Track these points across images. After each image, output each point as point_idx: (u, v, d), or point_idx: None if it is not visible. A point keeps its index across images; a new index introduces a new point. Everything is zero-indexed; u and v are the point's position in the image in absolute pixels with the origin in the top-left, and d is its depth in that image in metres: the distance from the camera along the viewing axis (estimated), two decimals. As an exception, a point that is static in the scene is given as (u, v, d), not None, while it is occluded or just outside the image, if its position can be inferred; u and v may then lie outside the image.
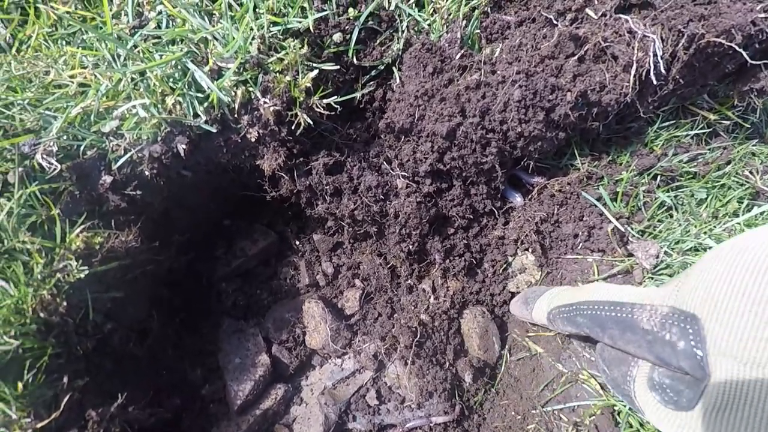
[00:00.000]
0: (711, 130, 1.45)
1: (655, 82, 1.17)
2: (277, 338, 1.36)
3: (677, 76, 1.23)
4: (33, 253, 0.94)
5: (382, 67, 1.35)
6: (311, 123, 1.16)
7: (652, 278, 1.27)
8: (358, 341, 1.37)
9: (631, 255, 1.24)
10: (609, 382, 1.09)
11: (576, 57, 1.20)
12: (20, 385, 0.89)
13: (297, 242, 1.53)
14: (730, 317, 0.67)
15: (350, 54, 1.29)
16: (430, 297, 1.43)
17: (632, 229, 1.29)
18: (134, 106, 1.09)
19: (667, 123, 1.38)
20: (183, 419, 1.22)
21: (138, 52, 1.13)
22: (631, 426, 1.16)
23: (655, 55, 1.16)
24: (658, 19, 1.16)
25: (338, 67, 1.24)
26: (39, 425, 0.87)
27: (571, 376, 1.27)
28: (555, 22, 1.26)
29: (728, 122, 1.44)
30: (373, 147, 1.37)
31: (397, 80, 1.31)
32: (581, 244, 1.32)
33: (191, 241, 1.37)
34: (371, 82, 1.37)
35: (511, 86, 1.19)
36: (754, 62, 1.17)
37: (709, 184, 1.39)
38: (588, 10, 1.21)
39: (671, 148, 1.36)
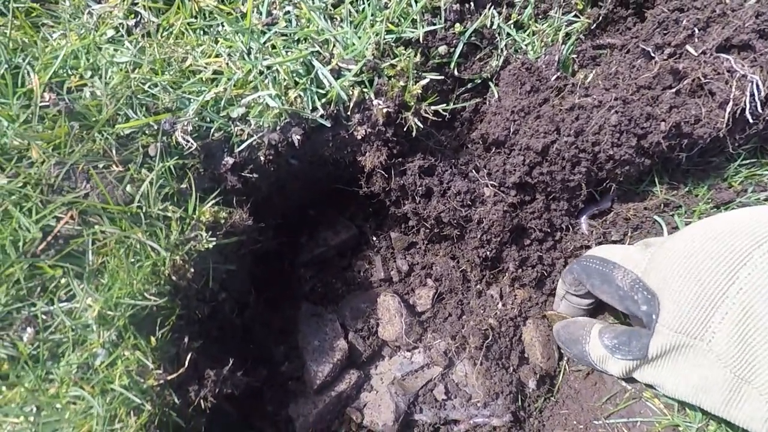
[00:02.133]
0: (787, 171, 1.49)
1: (750, 121, 1.22)
2: (353, 326, 1.43)
3: None
4: (172, 220, 1.03)
5: (479, 81, 1.42)
6: (421, 127, 1.24)
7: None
8: (429, 337, 1.43)
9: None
10: (574, 357, 1.36)
11: (673, 90, 1.26)
12: (153, 339, 0.97)
13: (374, 238, 1.60)
14: (676, 301, 0.93)
15: (452, 66, 1.37)
16: (498, 303, 1.50)
17: (707, 258, 1.34)
18: (260, 96, 1.19)
19: (747, 161, 1.42)
20: (265, 392, 1.30)
21: (268, 47, 1.23)
22: (694, 446, 1.21)
23: (752, 95, 1.21)
24: (758, 62, 1.22)
25: (442, 77, 1.33)
26: (168, 378, 0.96)
27: (635, 393, 1.32)
28: (652, 54, 1.32)
29: (805, 165, 1.48)
30: (462, 155, 1.44)
31: (495, 95, 1.39)
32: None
33: (282, 226, 1.45)
34: (466, 94, 1.44)
35: (607, 111, 1.26)
36: None
37: (783, 223, 1.43)
38: (688, 47, 1.27)
39: (751, 185, 1.41)
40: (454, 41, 1.35)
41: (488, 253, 1.42)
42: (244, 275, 1.23)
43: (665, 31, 1.33)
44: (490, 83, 1.42)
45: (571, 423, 1.36)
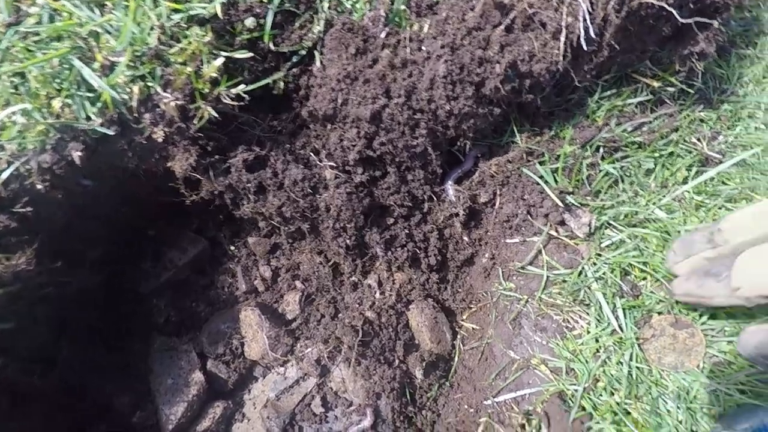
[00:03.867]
0: (656, 97, 1.39)
1: (586, 48, 1.10)
2: (212, 352, 1.27)
3: (612, 42, 1.16)
4: None
5: (304, 52, 1.25)
6: (216, 116, 1.06)
7: (599, 255, 1.22)
8: (300, 347, 1.29)
9: (563, 223, 1.20)
10: None
11: (503, 26, 1.12)
12: None
13: (232, 247, 1.43)
14: None
15: (266, 40, 1.18)
16: (375, 292, 1.36)
17: (575, 202, 1.23)
18: (14, 113, 0.98)
19: (608, 92, 1.32)
20: (111, 450, 1.13)
21: (14, 52, 1.01)
22: (583, 409, 1.12)
23: (584, 19, 1.08)
24: (586, -19, 1.09)
25: (251, 54, 1.14)
26: None
27: (523, 363, 1.21)
28: (480, -10, 1.18)
29: (673, 89, 1.38)
30: (299, 138, 1.27)
31: (318, 64, 1.22)
32: (523, 224, 1.26)
33: (111, 256, 1.26)
34: (294, 69, 1.26)
35: (435, 62, 1.11)
36: (684, 20, 1.11)
37: (656, 153, 1.34)
38: (512, -25, 1.13)
39: (614, 118, 1.30)
40: (262, 11, 1.17)
41: (348, 241, 1.27)
42: (41, 327, 1.04)
43: (488, -38, 1.18)
44: (316, 52, 1.24)
45: (463, 408, 1.25)
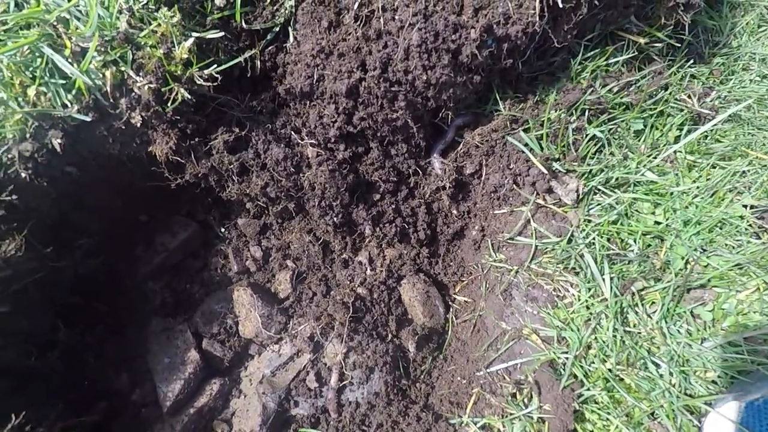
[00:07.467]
0: (643, 55, 1.34)
1: (562, 6, 1.06)
2: (207, 332, 1.29)
3: (591, -2, 1.12)
4: None
5: (278, 29, 1.23)
6: (189, 98, 1.06)
7: (588, 221, 1.20)
8: (294, 324, 1.30)
9: (550, 191, 1.17)
10: None
11: (477, -11, 1.09)
12: None
13: (222, 229, 1.44)
14: None
15: (237, 18, 1.17)
16: (366, 269, 1.36)
17: (562, 168, 1.21)
18: (-9, 103, 0.99)
19: (592, 53, 1.27)
20: (113, 427, 1.16)
21: (-13, 41, 1.02)
22: (575, 377, 1.11)
23: (560, -25, 1.05)
24: (561, -65, 1.05)
25: (223, 34, 1.13)
26: None
27: (515, 333, 1.21)
28: (454, -47, 1.14)
29: (661, 45, 1.34)
30: (280, 117, 1.27)
31: (291, 40, 1.20)
32: (510, 194, 1.24)
33: (104, 242, 1.28)
34: (271, 47, 1.25)
35: (409, 30, 1.08)
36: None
37: (645, 113, 1.30)
38: (484, -65, 1.09)
39: (599, 79, 1.26)
40: (232, -12, 1.15)
41: (335, 219, 1.27)
42: (36, 311, 1.07)
43: (462, -77, 1.14)
44: (289, 28, 1.23)
45: (456, 380, 1.26)
